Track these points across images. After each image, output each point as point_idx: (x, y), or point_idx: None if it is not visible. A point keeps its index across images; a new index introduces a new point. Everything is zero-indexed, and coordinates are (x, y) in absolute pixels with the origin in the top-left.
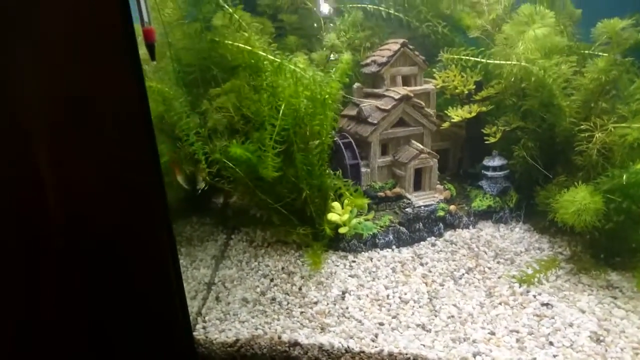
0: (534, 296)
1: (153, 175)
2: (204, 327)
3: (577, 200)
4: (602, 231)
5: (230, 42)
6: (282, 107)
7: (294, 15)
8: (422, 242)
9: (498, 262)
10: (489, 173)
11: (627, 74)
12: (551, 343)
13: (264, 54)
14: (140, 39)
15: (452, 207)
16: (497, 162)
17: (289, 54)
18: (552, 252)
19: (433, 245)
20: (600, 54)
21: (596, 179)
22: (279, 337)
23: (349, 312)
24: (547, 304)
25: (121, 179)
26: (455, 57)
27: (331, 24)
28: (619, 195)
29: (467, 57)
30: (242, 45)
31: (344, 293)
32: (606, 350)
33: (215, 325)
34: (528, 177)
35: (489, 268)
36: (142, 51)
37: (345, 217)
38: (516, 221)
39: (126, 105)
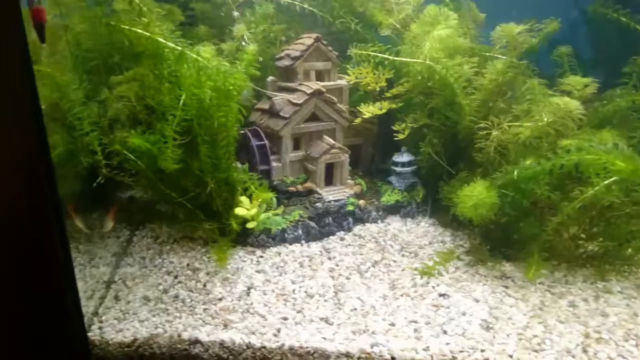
0: (433, 287)
1: (41, 167)
2: (100, 328)
3: (474, 195)
4: (498, 224)
5: (127, 27)
6: (183, 97)
7: (207, 4)
8: (331, 237)
9: (403, 255)
10: (398, 169)
11: (522, 76)
12: (445, 332)
13: (164, 41)
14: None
15: (361, 201)
16: (405, 158)
17: (191, 42)
18: (453, 245)
19: (342, 239)
20: (499, 56)
21: (493, 174)
22: (179, 335)
23: (253, 308)
24: (444, 295)
25: (6, 171)
26: (363, 52)
27: (241, 15)
28: (512, 190)
29: (375, 54)
30: (140, 31)
31: (249, 289)
32: (494, 337)
33: (113, 325)
34: (434, 173)
35: (394, 261)
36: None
37: (254, 211)
38: (422, 215)
39: (10, 90)
